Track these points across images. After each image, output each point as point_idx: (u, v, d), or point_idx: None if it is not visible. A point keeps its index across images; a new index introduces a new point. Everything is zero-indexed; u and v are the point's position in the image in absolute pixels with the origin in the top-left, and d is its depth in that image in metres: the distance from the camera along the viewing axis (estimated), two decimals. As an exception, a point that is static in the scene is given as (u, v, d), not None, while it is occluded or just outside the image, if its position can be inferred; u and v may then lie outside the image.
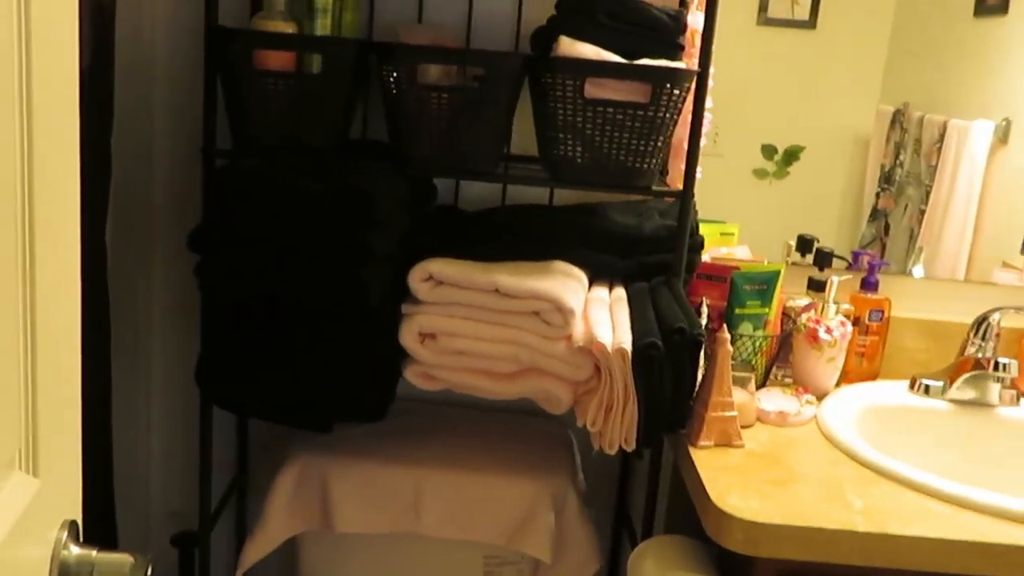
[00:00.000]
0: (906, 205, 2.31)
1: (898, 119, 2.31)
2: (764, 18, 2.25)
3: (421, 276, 1.53)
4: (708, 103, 1.78)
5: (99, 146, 1.53)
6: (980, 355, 1.77)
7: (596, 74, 1.51)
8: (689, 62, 1.75)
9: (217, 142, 1.58)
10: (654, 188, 1.60)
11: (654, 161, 1.56)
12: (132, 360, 1.83)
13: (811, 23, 2.26)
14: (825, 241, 2.38)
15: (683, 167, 1.64)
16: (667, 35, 1.61)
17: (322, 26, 1.56)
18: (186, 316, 1.81)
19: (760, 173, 2.30)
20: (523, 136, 1.71)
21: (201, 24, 1.53)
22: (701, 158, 2.34)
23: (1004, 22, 2.19)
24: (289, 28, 1.55)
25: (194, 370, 1.59)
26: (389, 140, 1.62)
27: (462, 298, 1.53)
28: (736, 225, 1.99)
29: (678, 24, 1.62)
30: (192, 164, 1.65)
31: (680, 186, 1.61)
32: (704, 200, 2.19)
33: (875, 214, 2.36)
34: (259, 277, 1.47)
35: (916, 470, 1.50)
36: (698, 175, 1.79)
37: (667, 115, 1.54)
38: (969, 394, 1.77)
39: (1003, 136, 2.16)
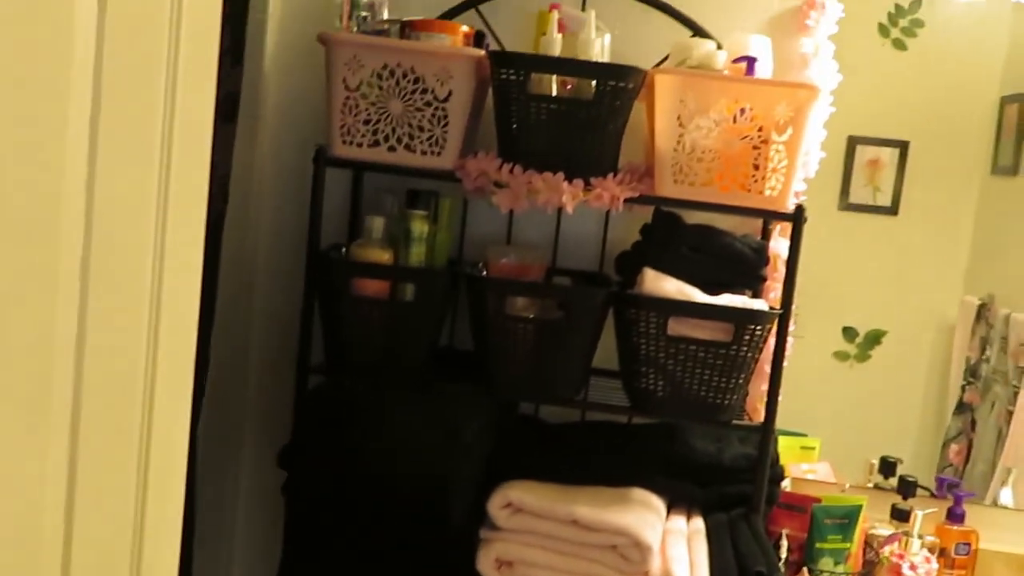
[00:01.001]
0: (993, 403, 2.27)
1: (983, 313, 2.29)
2: (845, 203, 2.28)
3: (501, 503, 1.56)
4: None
5: (199, 341, 1.60)
6: (1074, 599, 1.71)
7: (680, 313, 1.54)
8: (771, 285, 1.78)
9: (311, 357, 1.64)
10: (735, 422, 1.61)
11: (735, 397, 1.58)
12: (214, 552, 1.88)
13: (893, 209, 2.28)
14: (909, 432, 2.35)
15: (765, 389, 1.65)
16: (750, 268, 1.64)
17: (416, 254, 1.63)
18: (267, 522, 1.84)
19: (841, 355, 2.30)
20: (606, 350, 1.73)
21: (303, 245, 1.61)
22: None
23: (1092, 226, 2.18)
24: (386, 255, 1.62)
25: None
26: (476, 359, 1.67)
27: (540, 527, 1.55)
28: (817, 440, 1.98)
29: (761, 256, 1.66)
30: (287, 372, 1.71)
31: (760, 417, 1.62)
32: (786, 379, 2.20)
33: (961, 407, 2.32)
34: (343, 503, 1.51)
35: None
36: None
37: (749, 353, 1.56)
38: (1063, 640, 1.71)
39: (1093, 344, 2.12)
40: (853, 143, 2.24)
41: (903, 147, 2.24)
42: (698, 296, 1.58)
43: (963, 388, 2.32)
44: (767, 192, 1.58)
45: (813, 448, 1.95)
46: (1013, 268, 2.31)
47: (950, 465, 2.30)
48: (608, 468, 1.65)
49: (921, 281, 2.30)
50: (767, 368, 1.69)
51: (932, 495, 1.99)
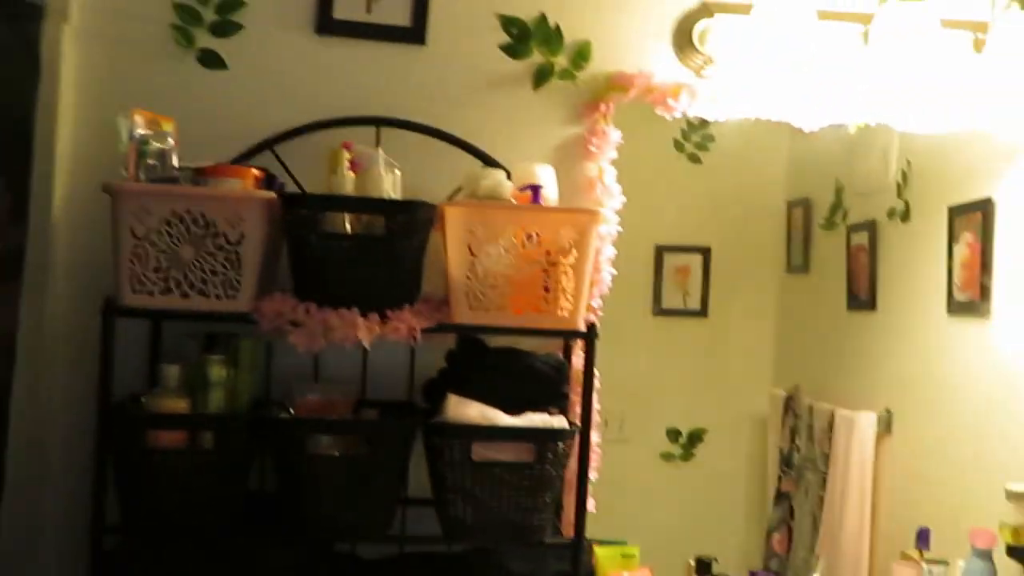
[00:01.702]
0: (807, 490, 2.37)
1: (791, 404, 2.41)
2: (659, 308, 2.38)
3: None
4: (595, 438, 1.85)
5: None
6: None
7: (482, 438, 1.57)
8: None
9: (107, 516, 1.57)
10: (548, 541, 1.62)
11: (544, 515, 1.60)
12: None
13: (703, 312, 2.39)
14: (736, 525, 2.42)
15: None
16: (552, 386, 1.69)
17: (216, 399, 1.60)
18: None
19: (667, 456, 2.36)
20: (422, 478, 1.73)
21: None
22: (608, 444, 2.39)
23: (874, 317, 2.34)
24: (182, 404, 1.59)
25: None
26: (284, 499, 1.63)
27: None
28: (635, 547, 2.01)
29: (561, 374, 1.71)
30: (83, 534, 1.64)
31: (572, 532, 1.64)
32: (614, 485, 2.22)
33: (779, 497, 2.41)
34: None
35: None
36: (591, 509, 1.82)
37: (553, 470, 1.59)
38: None
39: (886, 427, 2.25)
40: (661, 251, 2.36)
41: (706, 253, 2.38)
42: (501, 419, 1.61)
43: (779, 478, 2.42)
44: (559, 312, 1.64)
45: (633, 556, 1.98)
46: (813, 360, 2.45)
47: (775, 555, 2.37)
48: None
49: (734, 378, 2.41)
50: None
51: (748, 589, 2.05)
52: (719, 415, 2.39)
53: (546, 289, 1.63)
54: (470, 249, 1.62)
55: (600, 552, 1.94)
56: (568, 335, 1.71)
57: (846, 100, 1.86)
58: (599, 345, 1.95)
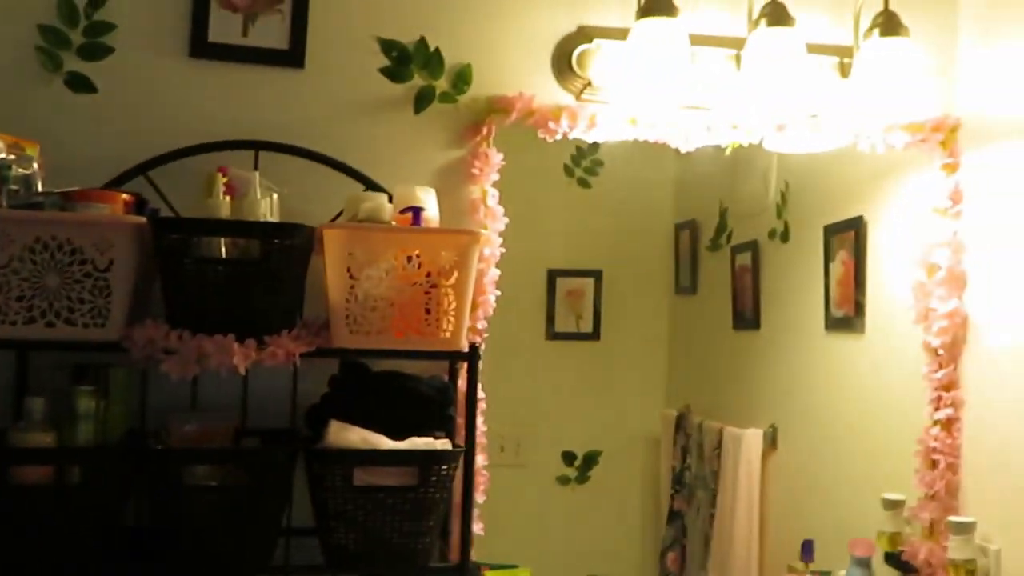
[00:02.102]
0: (699, 508, 2.41)
1: (682, 424, 2.45)
2: (552, 332, 2.39)
3: None
4: (482, 461, 1.84)
5: None
6: None
7: (363, 463, 1.54)
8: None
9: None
10: (432, 566, 1.60)
11: (429, 540, 1.58)
12: None
13: (595, 335, 2.42)
14: (633, 545, 2.44)
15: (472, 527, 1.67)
16: (436, 409, 1.68)
17: (85, 432, 1.54)
18: None
19: (563, 480, 2.37)
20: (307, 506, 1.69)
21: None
22: (504, 469, 2.38)
23: (759, 335, 2.40)
24: (48, 438, 1.52)
25: None
26: (161, 534, 1.58)
27: None
28: (527, 570, 2.01)
29: (446, 396, 1.70)
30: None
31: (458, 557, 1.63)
32: (510, 509, 2.20)
33: (672, 516, 2.44)
34: None
35: None
36: (477, 531, 1.82)
37: (437, 494, 1.57)
38: None
39: (772, 442, 2.31)
40: (553, 276, 2.38)
41: (598, 276, 2.41)
42: (384, 443, 1.59)
43: (672, 497, 2.45)
44: (441, 334, 1.63)
45: (525, 579, 1.98)
46: (703, 379, 2.50)
47: (669, 573, 2.39)
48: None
49: (627, 399, 2.43)
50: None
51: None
52: (613, 437, 2.41)
53: (427, 311, 1.63)
54: (350, 272, 1.60)
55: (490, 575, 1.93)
56: (450, 357, 1.70)
57: (720, 122, 1.91)
58: (492, 370, 1.95)
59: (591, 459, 2.39)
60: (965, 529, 1.90)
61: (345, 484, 1.54)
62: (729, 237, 2.43)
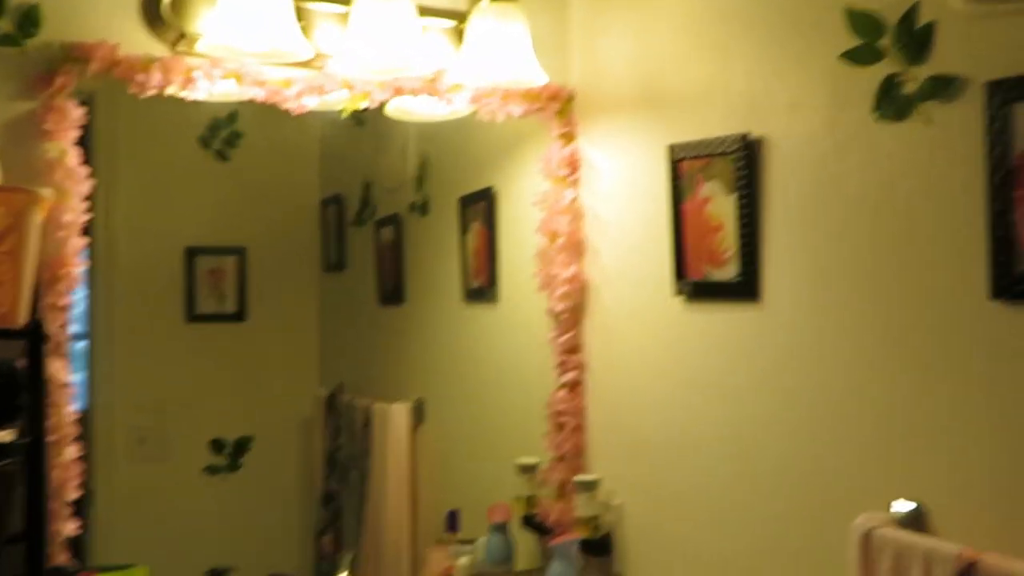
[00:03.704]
0: (352, 487, 2.35)
1: (333, 403, 2.37)
2: (193, 314, 2.22)
3: None
4: (73, 452, 1.66)
5: None
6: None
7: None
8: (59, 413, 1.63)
9: None
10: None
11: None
12: None
13: (239, 315, 2.27)
14: (287, 529, 2.33)
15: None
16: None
17: None
18: None
19: (212, 469, 2.22)
20: None
21: None
22: (145, 464, 2.19)
23: (403, 310, 2.38)
24: None
25: None
26: None
27: None
28: (144, 568, 1.85)
29: (11, 382, 1.49)
30: None
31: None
32: (153, 505, 2.04)
33: (327, 498, 2.36)
34: None
35: None
36: (69, 533, 1.63)
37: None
38: None
39: (419, 416, 2.29)
40: (192, 254, 2.21)
41: (241, 253, 2.26)
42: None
43: (326, 479, 2.37)
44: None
45: (141, 577, 1.82)
46: (353, 357, 2.44)
47: (326, 555, 2.32)
48: None
49: (278, 382, 2.32)
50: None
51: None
52: (265, 421, 2.30)
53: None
54: None
55: (106, 578, 1.75)
56: (6, 335, 1.49)
57: (332, 82, 1.84)
58: (127, 356, 1.77)
59: (242, 445, 2.26)
60: (589, 487, 1.97)
61: None
62: (374, 212, 2.38)
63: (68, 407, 1.63)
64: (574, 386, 2.07)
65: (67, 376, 1.64)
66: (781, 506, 1.58)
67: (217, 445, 2.25)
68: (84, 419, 1.72)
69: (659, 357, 1.86)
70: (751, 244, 1.62)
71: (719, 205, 1.67)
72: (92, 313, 1.95)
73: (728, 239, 1.66)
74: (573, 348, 2.07)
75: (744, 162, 1.62)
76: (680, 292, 1.79)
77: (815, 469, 1.52)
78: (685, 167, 1.74)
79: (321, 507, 2.38)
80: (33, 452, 1.41)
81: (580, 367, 2.07)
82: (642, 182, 1.89)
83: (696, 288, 1.75)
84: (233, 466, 2.26)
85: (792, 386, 1.56)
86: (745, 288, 1.63)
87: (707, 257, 1.71)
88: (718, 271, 1.69)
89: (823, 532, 1.48)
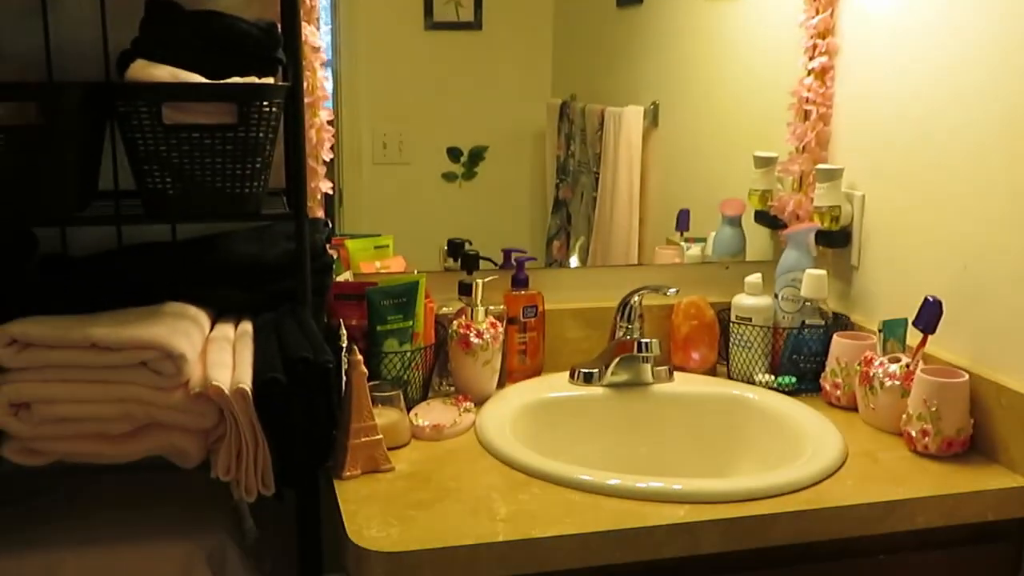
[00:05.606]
0: (582, 194, 2.34)
1: (565, 111, 2.34)
2: (431, 23, 2.22)
3: (3, 342, 1.37)
4: (326, 116, 1.72)
5: None
6: (629, 336, 1.78)
7: (171, 98, 1.39)
8: (313, 76, 1.69)
9: None
10: (265, 212, 1.50)
11: (256, 184, 1.46)
12: None
13: (477, 24, 2.24)
14: (519, 237, 2.38)
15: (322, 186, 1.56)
16: (260, 50, 1.52)
17: None
18: None
19: (449, 177, 2.27)
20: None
21: None
22: (390, 167, 2.27)
23: (640, 11, 2.26)
24: None
25: None
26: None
27: (55, 359, 1.37)
28: (390, 236, 1.93)
29: (271, 36, 1.53)
30: None
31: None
32: (394, 207, 2.12)
33: (557, 205, 2.38)
34: None
35: (561, 465, 1.48)
36: (325, 190, 1.73)
37: (261, 134, 1.44)
38: (623, 376, 1.78)
39: (653, 119, 2.21)
40: (429, -39, 2.17)
41: (476, -41, 2.20)
42: (197, 80, 1.44)
43: (557, 187, 2.37)
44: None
45: (387, 246, 1.90)
46: (587, 64, 2.37)
47: (555, 260, 2.35)
48: (135, 288, 1.50)
49: (512, 92, 2.30)
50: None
51: (501, 265, 2.01)
52: (499, 132, 2.30)
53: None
54: None
55: (351, 245, 1.85)
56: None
57: None
58: (368, 65, 1.78)
59: (477, 155, 2.28)
60: (832, 176, 1.84)
61: (154, 122, 1.40)
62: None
63: (320, 72, 1.68)
64: (823, 72, 1.90)
65: (319, 40, 1.68)
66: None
67: (454, 153, 2.27)
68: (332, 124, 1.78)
69: (918, 38, 1.65)
70: None
71: None
72: (336, 24, 1.97)
73: None
74: (824, 31, 1.89)
75: None
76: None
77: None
78: None
79: (552, 214, 2.39)
80: (290, 104, 1.45)
81: (831, 52, 1.89)
82: None
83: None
84: (469, 174, 2.28)
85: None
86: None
87: None
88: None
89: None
